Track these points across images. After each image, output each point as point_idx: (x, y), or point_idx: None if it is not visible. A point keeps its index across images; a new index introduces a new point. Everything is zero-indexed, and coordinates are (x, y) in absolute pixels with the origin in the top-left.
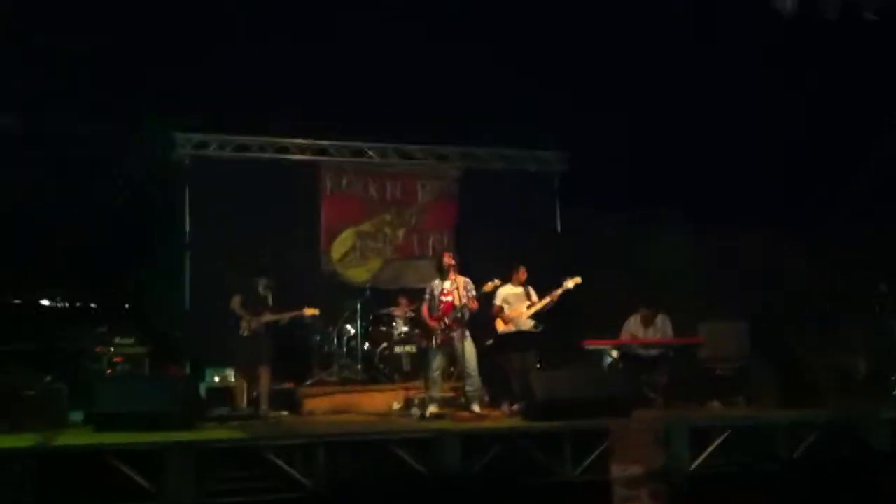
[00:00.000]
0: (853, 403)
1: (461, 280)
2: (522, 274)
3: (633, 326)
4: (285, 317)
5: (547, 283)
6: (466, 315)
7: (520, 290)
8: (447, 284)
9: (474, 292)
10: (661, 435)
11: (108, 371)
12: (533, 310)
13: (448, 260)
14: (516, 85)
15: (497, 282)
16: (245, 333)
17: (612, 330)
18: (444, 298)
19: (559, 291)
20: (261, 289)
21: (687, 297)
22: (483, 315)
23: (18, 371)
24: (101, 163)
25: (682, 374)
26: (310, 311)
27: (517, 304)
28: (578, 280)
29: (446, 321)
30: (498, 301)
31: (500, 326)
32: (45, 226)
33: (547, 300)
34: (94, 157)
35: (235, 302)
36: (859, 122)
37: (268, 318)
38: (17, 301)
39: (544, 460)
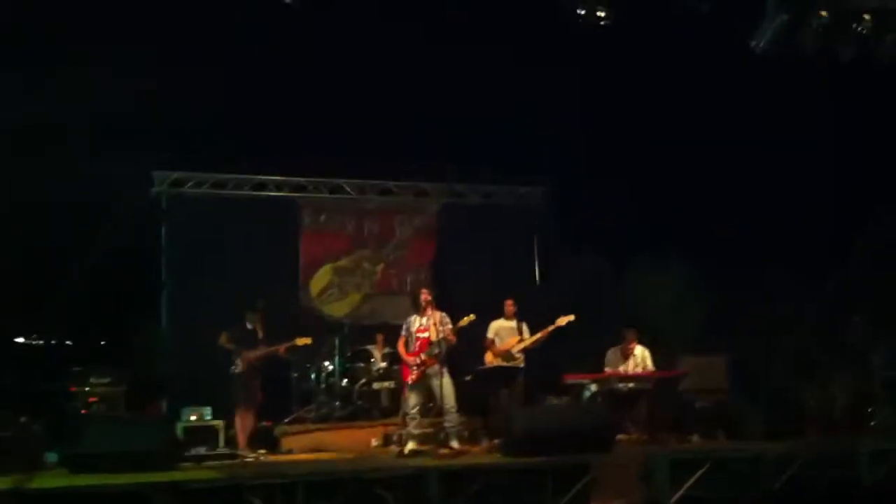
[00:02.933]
0: (833, 435)
1: (437, 315)
2: (511, 307)
3: (613, 359)
4: (280, 348)
5: (528, 318)
6: (444, 351)
7: (512, 324)
8: (423, 320)
9: (451, 325)
10: (642, 469)
11: (84, 411)
12: (522, 345)
13: (424, 296)
14: (495, 121)
15: (472, 316)
16: (238, 370)
17: (591, 364)
18: (419, 335)
19: (551, 328)
20: (249, 324)
21: (667, 330)
22: (462, 350)
23: None
24: (78, 200)
25: (663, 407)
26: (302, 341)
27: (508, 338)
28: (571, 318)
29: (423, 357)
30: (490, 334)
31: (489, 360)
32: (20, 263)
33: (538, 336)
34: (71, 194)
35: (224, 338)
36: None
37: (262, 351)
38: None
39: (525, 496)
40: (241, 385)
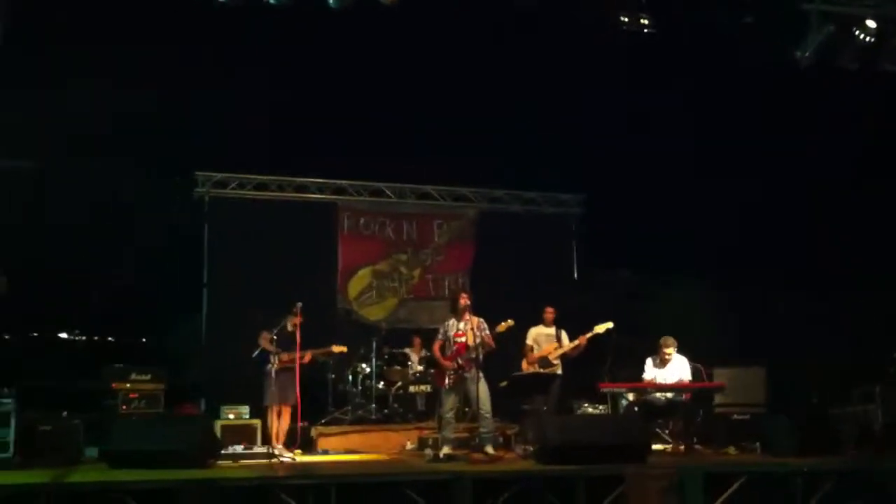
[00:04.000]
0: (870, 453)
1: (475, 320)
2: (550, 314)
3: (651, 368)
4: (318, 354)
5: (565, 325)
6: (481, 356)
7: (551, 331)
8: (461, 325)
9: (488, 331)
10: (676, 481)
11: (124, 407)
12: (560, 352)
13: (464, 300)
14: (534, 127)
15: (510, 322)
16: (274, 370)
17: (628, 373)
18: (457, 339)
19: (588, 336)
20: (289, 326)
21: (704, 341)
22: (500, 355)
23: (34, 406)
24: (122, 200)
25: (698, 419)
26: (338, 349)
27: (546, 344)
28: (609, 325)
29: (459, 361)
30: (529, 341)
31: (525, 366)
32: (64, 261)
33: (575, 343)
34: (115, 195)
35: (265, 339)
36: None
37: (306, 357)
38: (34, 334)
39: None
40: (275, 385)
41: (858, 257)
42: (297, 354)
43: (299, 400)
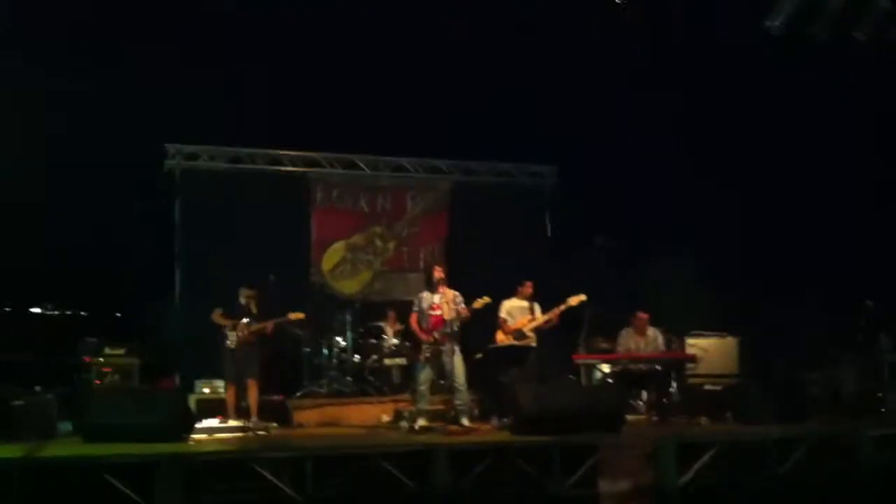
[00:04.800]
0: (841, 420)
1: (450, 293)
2: (528, 289)
3: (626, 338)
4: (269, 324)
5: (539, 297)
6: (457, 329)
7: (525, 304)
8: (436, 298)
9: (463, 304)
10: (650, 450)
11: (97, 382)
12: (534, 324)
13: (438, 273)
14: (508, 98)
15: (487, 299)
16: (232, 345)
17: (602, 344)
18: (432, 312)
19: (562, 308)
20: (242, 299)
21: (678, 314)
22: (475, 329)
23: (7, 381)
24: (94, 172)
25: (672, 389)
26: (294, 316)
27: (520, 317)
28: (582, 298)
29: (436, 335)
30: (502, 313)
31: (500, 338)
32: (36, 234)
33: (548, 316)
34: (86, 166)
35: (216, 314)
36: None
37: (253, 327)
38: (6, 309)
39: (533, 474)
40: (233, 360)
41: (830, 226)
42: (258, 326)
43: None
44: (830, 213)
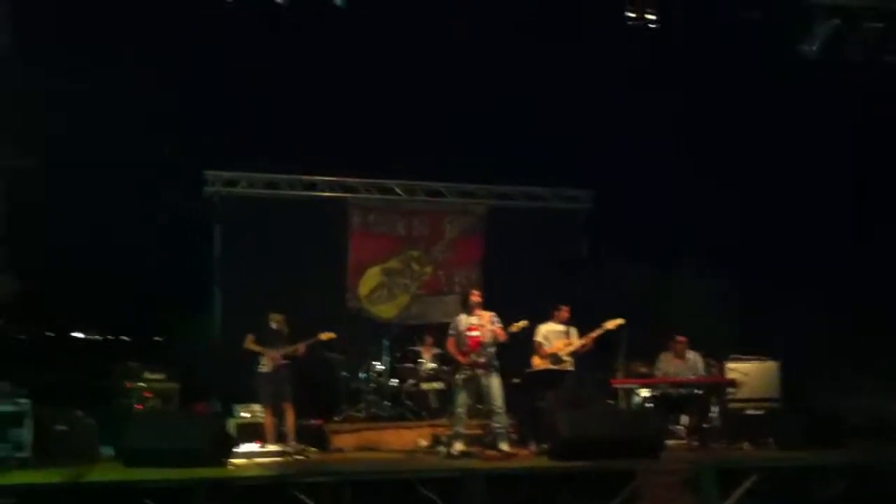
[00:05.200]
0: (885, 447)
1: (486, 315)
2: (564, 313)
3: (665, 362)
4: (301, 347)
5: (575, 320)
6: (494, 352)
7: (561, 328)
8: (473, 320)
9: (500, 324)
10: (690, 477)
11: (138, 406)
12: (570, 349)
13: (475, 297)
14: (542, 123)
15: (525, 322)
16: (265, 370)
17: (641, 368)
18: (469, 334)
19: (599, 332)
20: (273, 324)
21: (718, 337)
22: (512, 353)
23: (51, 405)
24: (134, 199)
25: (712, 414)
26: (325, 336)
27: (557, 341)
28: (620, 321)
29: (473, 358)
30: (538, 338)
31: (536, 363)
32: (79, 260)
33: (584, 340)
34: (127, 194)
35: (249, 340)
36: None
37: (285, 351)
38: (50, 333)
39: (571, 501)
40: (269, 384)
41: (871, 251)
42: (290, 349)
43: (297, 399)
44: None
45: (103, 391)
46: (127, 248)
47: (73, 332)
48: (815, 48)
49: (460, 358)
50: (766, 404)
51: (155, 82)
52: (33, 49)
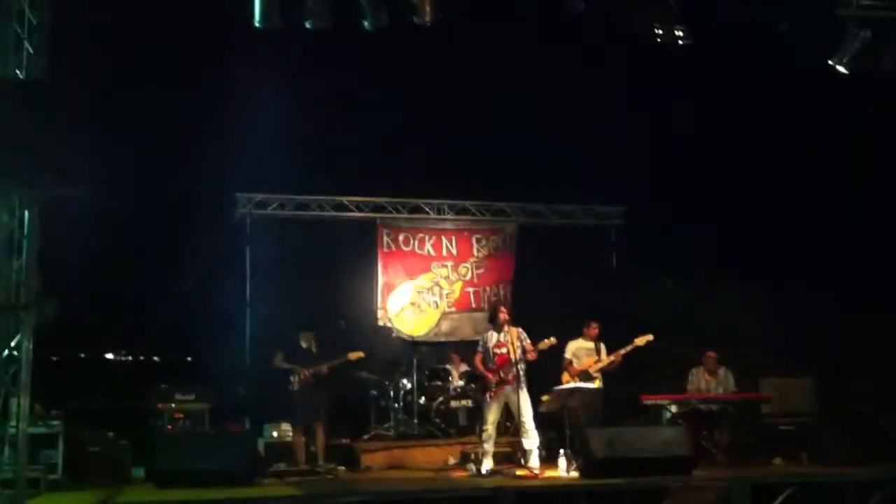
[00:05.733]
0: None
1: (514, 331)
2: (594, 329)
3: (696, 378)
4: (324, 367)
5: (604, 338)
6: (523, 369)
7: (591, 345)
8: (501, 336)
9: (528, 340)
10: (723, 493)
11: (169, 427)
12: (599, 365)
13: (503, 315)
14: (571, 139)
15: (553, 339)
16: (295, 388)
17: (672, 384)
18: (497, 350)
19: (628, 349)
20: (303, 343)
21: (751, 351)
22: (542, 370)
23: (83, 426)
24: (165, 220)
25: (745, 429)
26: (354, 355)
27: (586, 358)
28: (649, 338)
29: (502, 374)
30: (568, 354)
31: (566, 380)
32: (109, 284)
33: (613, 357)
34: (158, 214)
35: (278, 358)
36: None
37: (312, 369)
38: (81, 355)
39: None
40: (299, 403)
41: None
42: (318, 367)
43: (328, 418)
44: None
45: (135, 413)
46: (159, 270)
47: (106, 353)
48: (844, 61)
49: (488, 375)
50: (800, 419)
51: (187, 104)
52: (70, 73)
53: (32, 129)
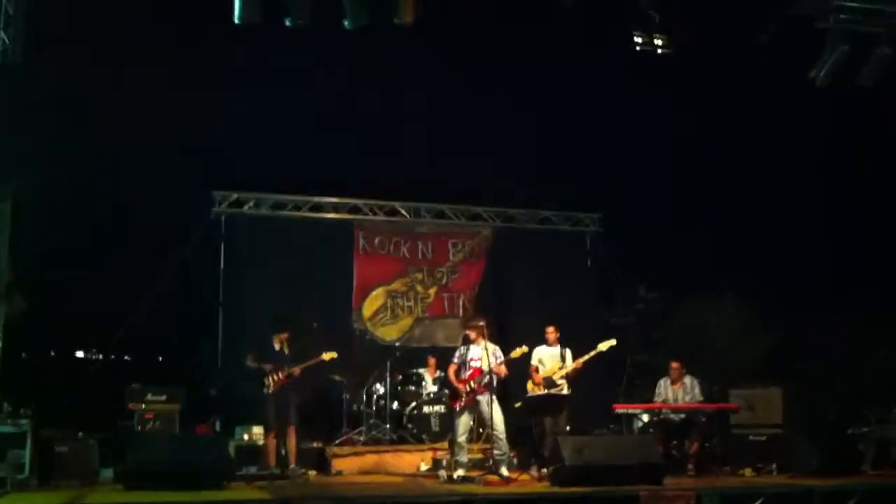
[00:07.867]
0: (888, 473)
1: (491, 347)
2: (551, 334)
3: (663, 388)
4: (296, 369)
5: (579, 343)
6: (494, 379)
7: (556, 350)
8: (477, 350)
9: (502, 358)
10: (693, 503)
11: (140, 428)
12: (563, 371)
13: (483, 328)
14: (548, 145)
15: (524, 348)
16: (269, 391)
17: (643, 393)
18: (472, 364)
19: (592, 354)
20: (276, 344)
21: (722, 362)
22: (513, 378)
23: (51, 426)
24: (139, 220)
25: (715, 439)
26: (328, 356)
27: (550, 364)
28: (612, 342)
29: (472, 385)
30: (534, 361)
31: (531, 387)
32: (80, 282)
33: (578, 363)
34: (132, 214)
35: (250, 359)
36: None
37: (287, 370)
38: (52, 354)
39: None
40: (271, 405)
41: (878, 275)
42: (292, 369)
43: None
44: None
45: (105, 412)
46: (130, 268)
47: (77, 352)
48: (822, 74)
49: (458, 385)
50: (769, 430)
51: (165, 102)
52: (42, 64)
53: None
